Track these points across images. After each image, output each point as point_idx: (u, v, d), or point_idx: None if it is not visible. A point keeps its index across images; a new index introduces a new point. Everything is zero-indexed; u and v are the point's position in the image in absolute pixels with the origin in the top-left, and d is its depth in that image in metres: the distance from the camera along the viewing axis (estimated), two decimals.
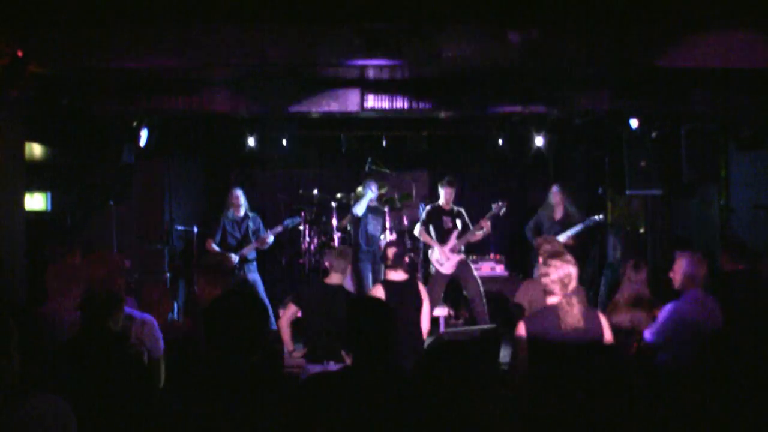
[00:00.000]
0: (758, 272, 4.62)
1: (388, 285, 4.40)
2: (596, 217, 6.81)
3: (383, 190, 8.01)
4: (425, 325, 4.41)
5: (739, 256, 4.59)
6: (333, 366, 3.85)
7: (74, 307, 3.56)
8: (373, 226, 6.94)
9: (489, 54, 4.50)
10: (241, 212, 6.89)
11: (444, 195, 6.81)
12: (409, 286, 4.42)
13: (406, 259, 4.53)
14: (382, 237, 7.10)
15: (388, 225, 7.65)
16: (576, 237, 6.77)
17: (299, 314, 4.38)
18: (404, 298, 4.34)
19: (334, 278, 4.36)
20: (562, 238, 6.68)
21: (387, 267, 4.49)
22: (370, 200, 6.88)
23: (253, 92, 5.54)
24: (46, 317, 3.45)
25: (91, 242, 6.27)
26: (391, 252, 4.45)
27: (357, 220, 6.87)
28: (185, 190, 8.11)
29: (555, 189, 7.10)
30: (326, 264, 4.54)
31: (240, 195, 6.92)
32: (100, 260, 3.48)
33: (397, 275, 4.45)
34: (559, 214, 7.01)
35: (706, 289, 4.04)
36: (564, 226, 6.86)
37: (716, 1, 4.37)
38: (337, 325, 4.00)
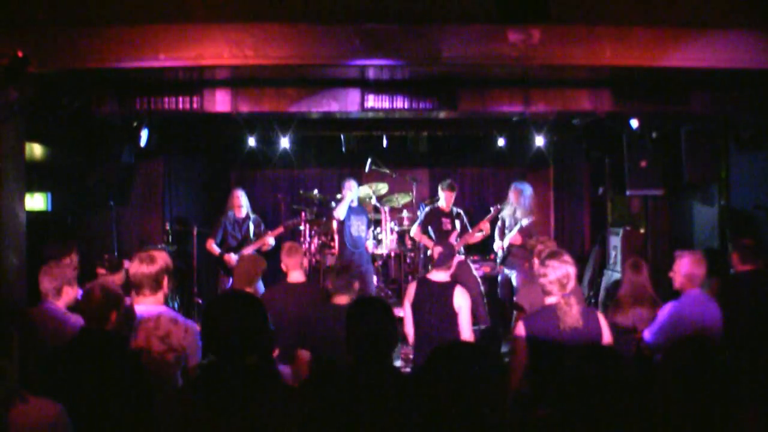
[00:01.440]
0: (766, 273, 4.60)
1: (423, 283, 4.25)
2: (531, 216, 6.78)
3: (381, 188, 8.01)
4: (465, 334, 4.07)
5: (749, 256, 4.57)
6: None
7: (68, 307, 3.57)
8: (356, 227, 6.89)
9: (489, 54, 4.49)
10: (243, 213, 6.90)
11: (444, 198, 6.82)
12: (445, 289, 4.15)
13: (453, 261, 4.33)
14: (366, 237, 7.07)
15: (389, 224, 7.64)
16: (524, 232, 6.74)
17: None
18: (435, 299, 4.13)
19: (339, 299, 3.99)
20: (512, 235, 6.71)
21: (432, 266, 4.33)
22: (351, 201, 6.84)
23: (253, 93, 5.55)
24: (41, 318, 3.45)
25: (91, 242, 6.28)
26: (436, 251, 4.34)
27: (340, 224, 6.84)
28: (185, 190, 8.11)
29: (514, 187, 7.09)
30: (327, 285, 4.25)
31: (241, 195, 6.93)
32: (149, 259, 3.28)
33: (438, 276, 4.24)
34: (517, 211, 7.00)
35: (711, 289, 4.03)
36: (516, 222, 6.86)
37: (716, 1, 4.37)
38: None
